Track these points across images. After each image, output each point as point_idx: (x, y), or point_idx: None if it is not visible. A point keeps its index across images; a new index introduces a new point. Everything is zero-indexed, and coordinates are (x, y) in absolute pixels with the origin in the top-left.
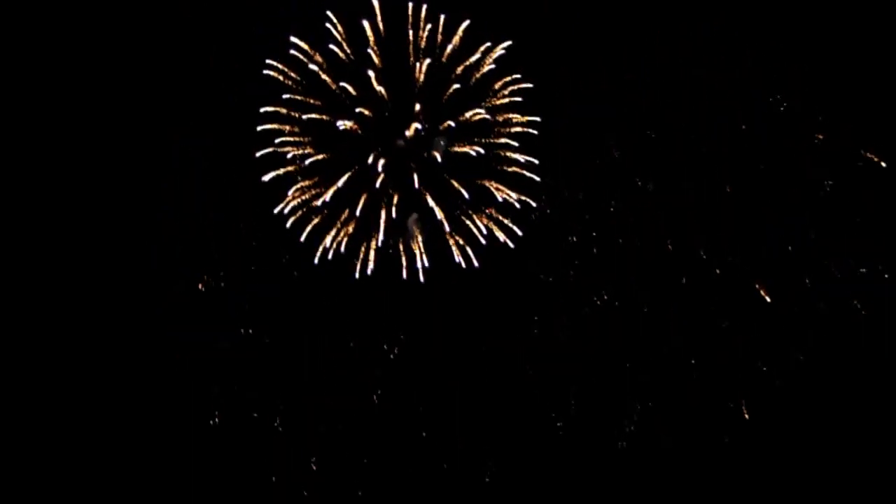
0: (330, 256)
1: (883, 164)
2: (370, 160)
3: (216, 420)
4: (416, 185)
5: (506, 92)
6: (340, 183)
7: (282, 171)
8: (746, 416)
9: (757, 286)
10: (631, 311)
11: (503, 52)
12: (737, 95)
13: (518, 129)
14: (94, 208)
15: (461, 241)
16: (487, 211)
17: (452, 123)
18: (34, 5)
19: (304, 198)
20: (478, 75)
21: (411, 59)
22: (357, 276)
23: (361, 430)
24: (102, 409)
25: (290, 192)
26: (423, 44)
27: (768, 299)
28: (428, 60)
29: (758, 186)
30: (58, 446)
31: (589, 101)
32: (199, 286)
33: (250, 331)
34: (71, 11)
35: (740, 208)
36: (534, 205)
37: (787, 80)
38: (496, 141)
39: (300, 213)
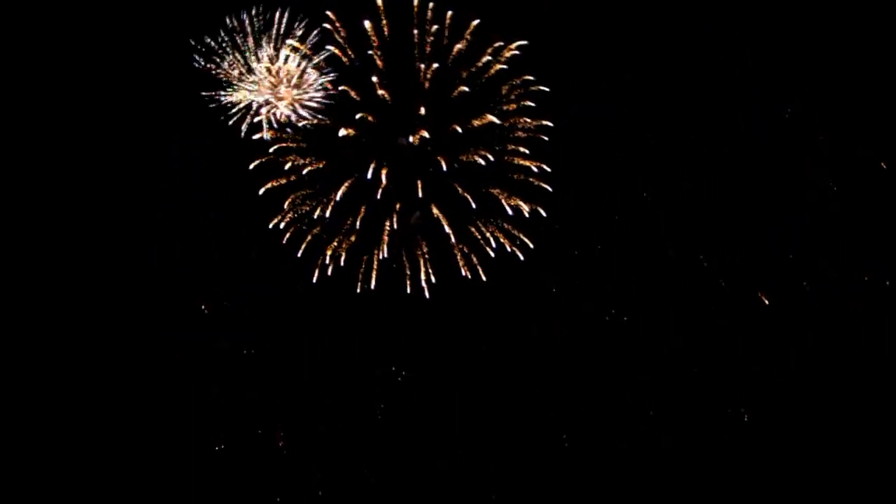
0: (330, 272)
1: (883, 166)
2: (372, 168)
3: (222, 446)
4: (420, 195)
5: (513, 96)
6: (339, 196)
7: (283, 180)
8: (746, 418)
9: (757, 290)
10: (633, 316)
11: (516, 52)
12: (737, 96)
13: (528, 134)
14: (94, 208)
15: (468, 252)
16: (496, 221)
17: (459, 129)
18: (34, 5)
19: (302, 210)
20: (485, 77)
21: (417, 60)
22: (359, 290)
23: (366, 448)
24: (102, 410)
25: (285, 205)
26: (428, 46)
27: (767, 302)
28: (436, 65)
29: (757, 189)
30: (57, 446)
31: (588, 102)
32: (203, 308)
33: (252, 351)
34: (71, 12)
35: (740, 211)
36: (544, 214)
37: (788, 81)
38: (506, 147)
39: (298, 226)
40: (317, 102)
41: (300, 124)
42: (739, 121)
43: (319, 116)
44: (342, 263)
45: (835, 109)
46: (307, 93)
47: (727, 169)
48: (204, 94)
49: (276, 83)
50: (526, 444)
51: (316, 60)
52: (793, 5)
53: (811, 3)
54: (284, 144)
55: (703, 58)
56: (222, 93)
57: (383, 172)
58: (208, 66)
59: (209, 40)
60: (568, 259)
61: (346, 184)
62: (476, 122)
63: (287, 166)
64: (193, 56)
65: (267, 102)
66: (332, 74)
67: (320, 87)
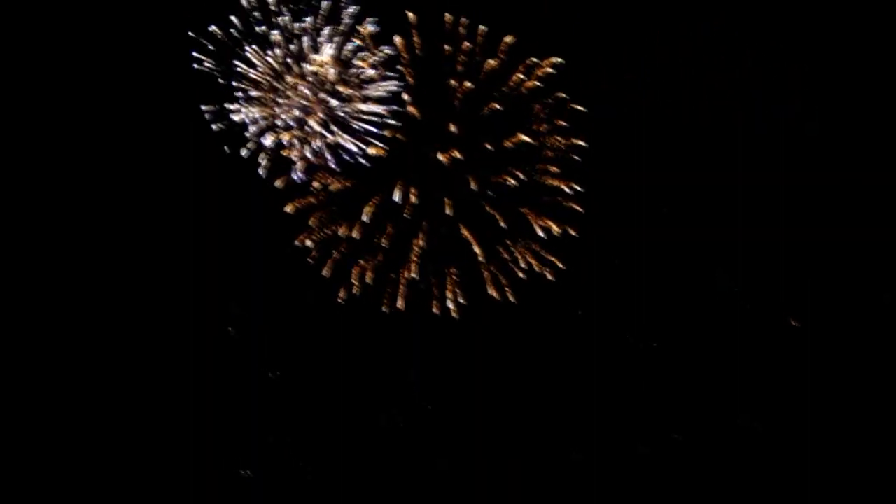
0: (356, 291)
1: None
2: (399, 190)
3: (248, 472)
4: (450, 213)
5: (545, 115)
6: (366, 215)
7: (312, 199)
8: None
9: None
10: (661, 341)
11: (550, 70)
12: (737, 96)
13: (560, 154)
14: (104, 212)
15: (497, 274)
16: (525, 241)
17: (490, 147)
18: (35, 4)
19: (329, 229)
20: (518, 95)
21: (448, 77)
22: (385, 310)
23: (389, 471)
24: (122, 433)
25: (311, 223)
26: (460, 63)
27: (795, 324)
28: (467, 83)
29: (765, 196)
30: (82, 468)
31: (588, 103)
32: (229, 329)
33: (278, 373)
34: (82, 12)
35: (751, 222)
36: (574, 235)
37: (788, 81)
38: (537, 167)
39: (324, 245)
40: (369, 121)
41: (329, 141)
42: (740, 122)
43: (379, 145)
44: (368, 281)
45: (836, 110)
46: (355, 102)
47: (731, 176)
48: (205, 108)
49: (311, 92)
50: (542, 462)
51: (374, 59)
52: (793, 5)
53: (811, 3)
54: (313, 161)
55: (703, 58)
56: (230, 106)
57: (412, 193)
58: (214, 67)
59: (217, 31)
60: (595, 281)
61: (373, 202)
62: (508, 142)
63: (315, 184)
64: (193, 53)
65: (297, 122)
66: (395, 84)
67: (387, 94)
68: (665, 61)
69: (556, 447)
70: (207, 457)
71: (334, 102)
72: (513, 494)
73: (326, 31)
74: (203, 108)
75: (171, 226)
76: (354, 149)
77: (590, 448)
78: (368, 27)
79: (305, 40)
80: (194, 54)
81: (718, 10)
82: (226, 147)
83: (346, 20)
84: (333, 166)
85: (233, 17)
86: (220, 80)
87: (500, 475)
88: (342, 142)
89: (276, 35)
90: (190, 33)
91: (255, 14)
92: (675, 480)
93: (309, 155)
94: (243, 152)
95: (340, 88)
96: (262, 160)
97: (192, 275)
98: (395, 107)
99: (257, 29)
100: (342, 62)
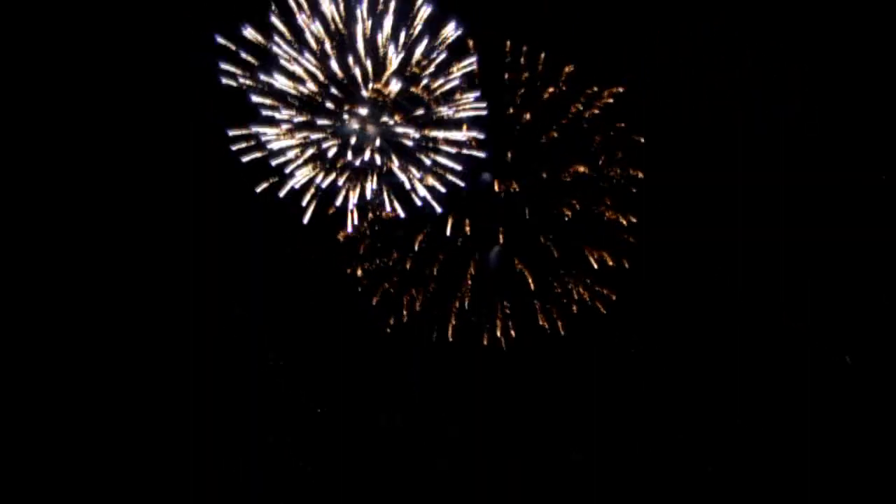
0: (405, 320)
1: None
2: (451, 223)
3: None
4: (502, 242)
5: (604, 145)
6: (417, 245)
7: (364, 229)
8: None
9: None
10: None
11: (610, 101)
12: (737, 96)
13: (617, 185)
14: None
15: (548, 306)
16: (578, 273)
17: (546, 177)
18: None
19: (379, 258)
20: (577, 125)
21: (507, 105)
22: (434, 339)
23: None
24: (162, 465)
25: (361, 251)
26: (519, 94)
27: (848, 360)
28: (527, 114)
29: (766, 197)
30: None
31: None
32: (280, 362)
33: (319, 410)
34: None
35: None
36: (627, 267)
37: (788, 81)
38: (593, 198)
39: (374, 273)
40: (446, 153)
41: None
42: (740, 122)
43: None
44: (418, 309)
45: (836, 110)
46: (427, 129)
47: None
48: (233, 135)
49: (371, 113)
50: (542, 462)
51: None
52: (793, 5)
53: (811, 3)
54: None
55: (703, 58)
56: (266, 132)
57: (466, 224)
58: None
59: (253, 33)
60: (647, 317)
61: (424, 232)
62: (565, 171)
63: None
64: (219, 64)
65: (352, 152)
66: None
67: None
68: (665, 61)
69: (556, 447)
70: (208, 456)
71: (399, 128)
72: (513, 494)
73: (387, 26)
74: (231, 133)
75: (172, 227)
76: (425, 193)
77: (590, 448)
78: (450, 32)
79: (362, 48)
80: (223, 65)
81: (718, 10)
82: (258, 188)
83: (419, 25)
84: (400, 213)
85: (274, 19)
86: (253, 98)
87: (500, 475)
88: (407, 181)
89: (325, 39)
90: (219, 38)
91: (304, 16)
92: (675, 480)
93: (367, 196)
94: (282, 194)
95: (406, 111)
96: (307, 202)
97: (192, 278)
98: (479, 135)
99: (307, 34)
100: (411, 76)
